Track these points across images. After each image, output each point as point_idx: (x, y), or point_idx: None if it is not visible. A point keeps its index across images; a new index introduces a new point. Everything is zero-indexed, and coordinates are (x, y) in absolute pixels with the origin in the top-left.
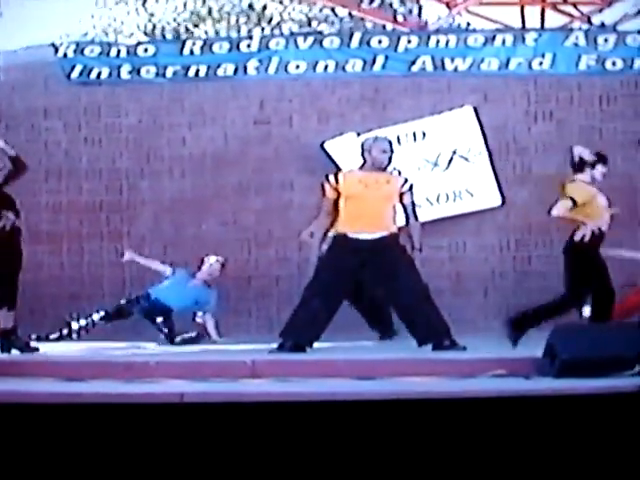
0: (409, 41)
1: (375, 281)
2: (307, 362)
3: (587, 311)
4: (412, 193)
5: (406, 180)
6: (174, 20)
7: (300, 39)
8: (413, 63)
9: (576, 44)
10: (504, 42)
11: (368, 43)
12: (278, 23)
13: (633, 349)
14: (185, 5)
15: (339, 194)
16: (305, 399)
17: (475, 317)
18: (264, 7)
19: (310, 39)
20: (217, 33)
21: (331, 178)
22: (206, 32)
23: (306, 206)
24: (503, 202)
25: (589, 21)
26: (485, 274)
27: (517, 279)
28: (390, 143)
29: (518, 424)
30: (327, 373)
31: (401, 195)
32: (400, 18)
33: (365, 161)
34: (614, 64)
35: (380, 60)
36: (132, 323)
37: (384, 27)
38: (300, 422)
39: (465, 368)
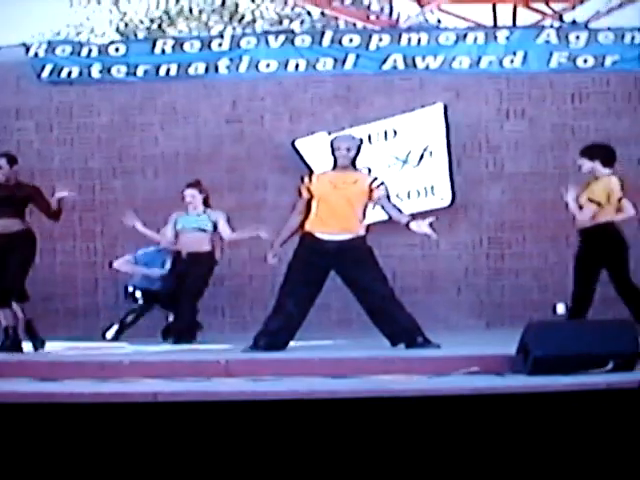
0: (380, 39)
1: (342, 282)
2: (280, 361)
3: (561, 308)
4: (385, 188)
5: (375, 178)
6: (147, 19)
7: (271, 38)
8: (384, 61)
9: (548, 42)
10: (476, 40)
11: (339, 41)
12: (250, 22)
13: (606, 346)
14: (158, 4)
15: (312, 195)
16: (279, 398)
17: (448, 315)
18: (236, 5)
19: (281, 38)
20: (190, 32)
21: (305, 179)
22: (179, 31)
23: (279, 205)
24: (452, 202)
25: (561, 19)
26: (458, 272)
27: (490, 277)
28: (353, 139)
29: (492, 421)
30: (301, 372)
31: (372, 192)
32: (372, 17)
33: (335, 161)
34: (586, 61)
35: (351, 58)
36: (104, 321)
37: (356, 25)
38: (274, 421)
39: (439, 366)
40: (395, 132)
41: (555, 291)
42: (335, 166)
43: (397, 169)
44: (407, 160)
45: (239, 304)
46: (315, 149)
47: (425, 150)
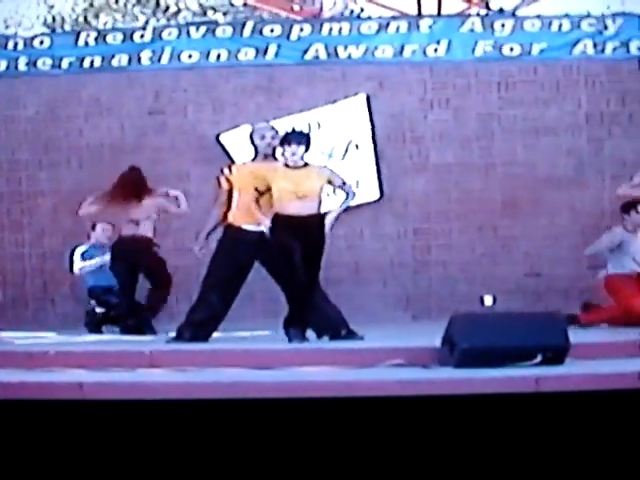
0: (302, 29)
1: (268, 272)
2: (205, 352)
3: (488, 300)
4: None
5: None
6: (73, 11)
7: (193, 29)
8: (306, 51)
9: (472, 30)
10: (398, 29)
11: (261, 32)
12: (174, 13)
13: (535, 339)
14: None
15: (232, 186)
16: (203, 391)
17: (374, 306)
18: None
19: (203, 29)
20: (114, 24)
21: (225, 170)
22: (105, 23)
23: (202, 196)
24: (380, 196)
25: (487, 7)
26: (384, 263)
27: (417, 268)
28: (273, 129)
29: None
30: (225, 363)
31: None
32: (296, 7)
33: (255, 152)
34: (512, 50)
35: (273, 48)
36: (33, 312)
37: (279, 15)
38: (199, 414)
39: (364, 358)
40: (319, 125)
41: (483, 283)
42: (256, 156)
43: (323, 163)
44: (332, 154)
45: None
46: (239, 142)
47: (350, 143)
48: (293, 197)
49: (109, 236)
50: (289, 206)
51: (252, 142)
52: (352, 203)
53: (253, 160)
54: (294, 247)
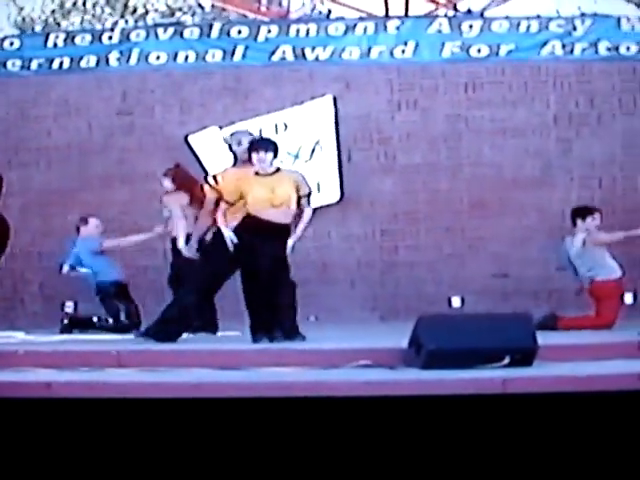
0: (269, 31)
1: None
2: (172, 352)
3: (456, 301)
4: None
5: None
6: (43, 13)
7: (160, 30)
8: (273, 53)
9: (440, 31)
10: (365, 30)
11: (228, 33)
12: (142, 14)
13: (502, 340)
14: None
15: (220, 194)
16: (170, 391)
17: (341, 307)
18: None
19: (170, 30)
20: (83, 25)
21: (210, 179)
22: (72, 23)
23: None
24: (341, 198)
25: (455, 8)
26: (351, 264)
27: (384, 269)
28: (251, 134)
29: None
30: (192, 363)
31: None
32: (263, 8)
33: (235, 158)
34: (479, 51)
35: (240, 50)
36: (2, 311)
37: (247, 17)
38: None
39: (331, 358)
40: (286, 126)
41: (450, 283)
42: (235, 162)
43: (289, 164)
44: (298, 155)
45: (134, 295)
46: (207, 143)
47: (317, 144)
48: (268, 205)
49: (100, 232)
50: (265, 214)
51: (230, 149)
52: (314, 205)
53: (233, 166)
54: (261, 252)
